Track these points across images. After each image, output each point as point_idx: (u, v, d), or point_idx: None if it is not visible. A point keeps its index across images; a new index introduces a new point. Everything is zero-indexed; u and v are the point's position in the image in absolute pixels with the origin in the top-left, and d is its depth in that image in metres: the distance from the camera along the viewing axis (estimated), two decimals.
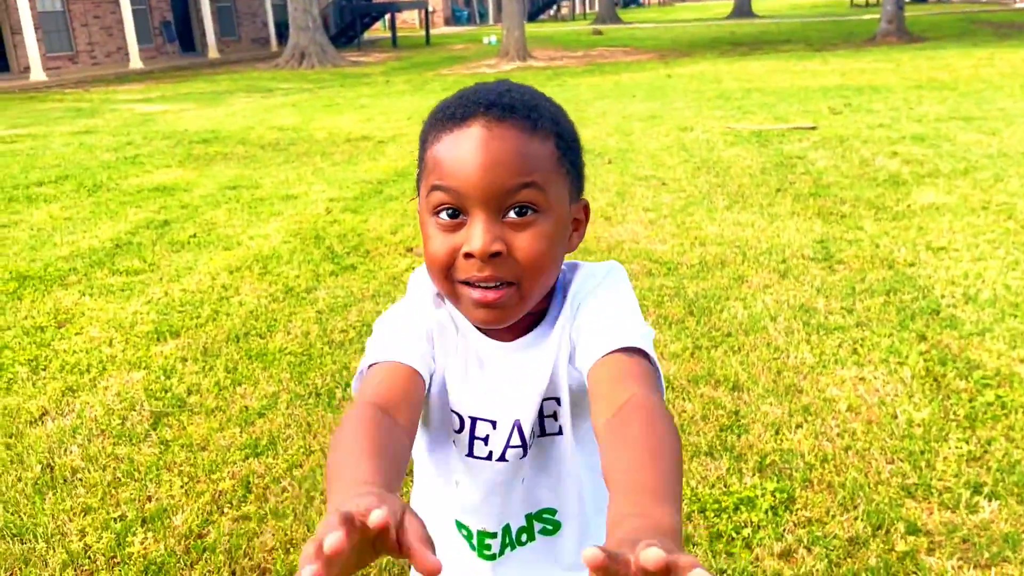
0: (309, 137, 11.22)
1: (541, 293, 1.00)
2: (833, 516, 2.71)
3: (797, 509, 2.75)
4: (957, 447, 3.03)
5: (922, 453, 3.01)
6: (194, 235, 6.44)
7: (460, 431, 1.08)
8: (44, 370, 4.11)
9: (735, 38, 27.74)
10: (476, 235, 0.92)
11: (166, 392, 3.79)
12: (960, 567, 2.46)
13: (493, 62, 23.82)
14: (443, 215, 0.95)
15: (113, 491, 3.04)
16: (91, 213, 7.28)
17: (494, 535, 1.13)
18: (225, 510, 2.89)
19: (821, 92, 13.09)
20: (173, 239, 6.35)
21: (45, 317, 4.82)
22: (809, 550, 2.56)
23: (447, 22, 46.07)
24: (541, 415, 1.08)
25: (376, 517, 0.61)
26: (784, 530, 2.65)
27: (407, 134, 11.15)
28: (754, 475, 2.94)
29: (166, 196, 7.86)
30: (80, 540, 2.77)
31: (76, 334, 4.55)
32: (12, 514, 2.93)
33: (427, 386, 1.03)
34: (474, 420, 1.07)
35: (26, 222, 7.06)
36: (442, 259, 0.96)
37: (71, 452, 3.32)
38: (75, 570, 2.62)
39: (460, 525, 1.15)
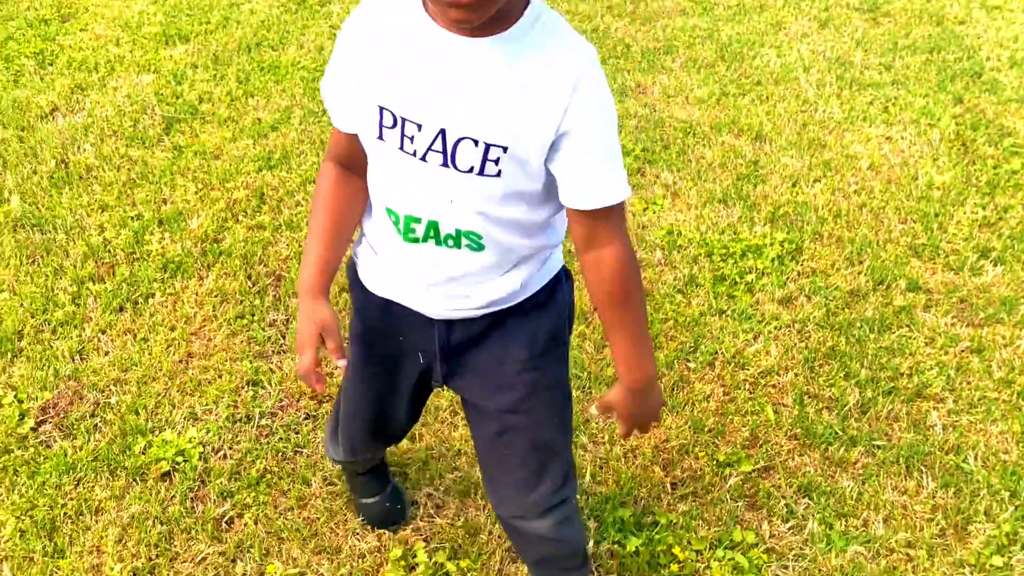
0: None
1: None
2: (837, 269, 2.75)
3: (803, 260, 2.79)
4: (972, 212, 3.01)
5: (936, 216, 3.00)
6: None
7: (393, 127, 1.15)
8: (51, 65, 4.00)
9: None
10: None
11: (177, 98, 3.71)
12: (953, 324, 2.53)
13: None
14: None
15: (128, 191, 3.06)
16: None
17: (419, 220, 1.21)
18: (240, 218, 2.93)
19: None
20: None
21: (48, 9, 4.60)
22: (809, 298, 2.62)
23: None
24: (485, 157, 1.12)
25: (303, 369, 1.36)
26: (787, 278, 2.71)
27: None
28: (765, 224, 2.95)
29: None
30: (99, 234, 2.83)
31: (81, 30, 4.37)
32: (30, 205, 2.97)
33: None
34: (404, 120, 1.13)
35: None
36: None
37: (84, 150, 3.30)
38: (95, 261, 2.71)
39: (389, 211, 1.24)
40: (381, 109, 1.15)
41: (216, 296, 2.58)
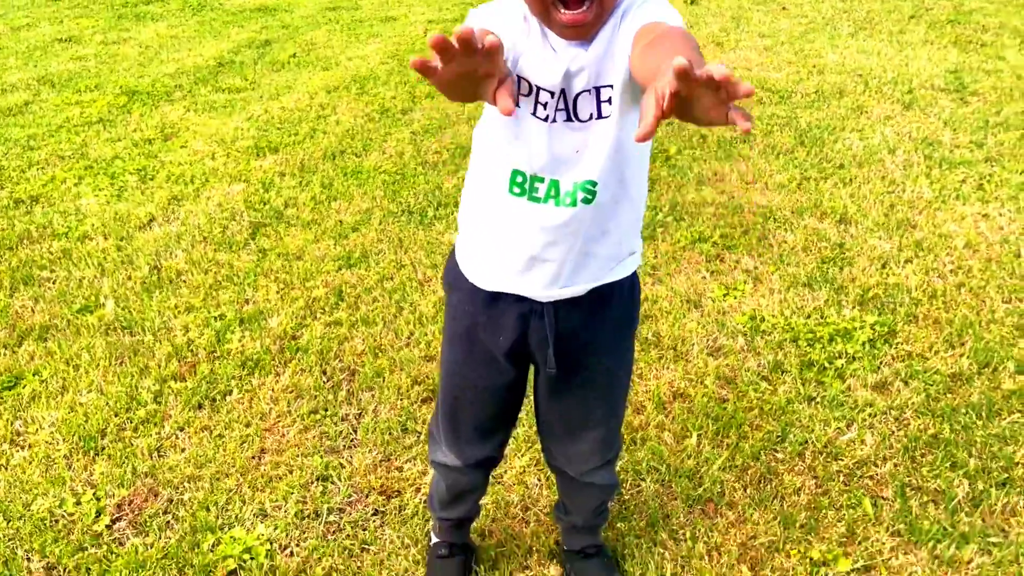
0: None
1: (611, 7, 1.26)
2: (936, 352, 2.58)
3: (897, 343, 2.63)
4: None
5: None
6: (294, 55, 6.39)
7: (528, 95, 1.31)
8: (152, 180, 4.24)
9: None
10: None
11: (264, 204, 3.86)
12: None
13: None
14: None
15: (214, 293, 3.16)
16: (196, 32, 7.30)
17: (542, 179, 1.37)
18: (318, 315, 2.97)
19: None
20: (274, 59, 6.32)
21: (153, 130, 4.93)
22: (906, 383, 2.45)
23: None
24: (599, 100, 1.31)
25: (492, 39, 0.94)
26: (881, 363, 2.54)
27: None
28: (854, 308, 2.81)
29: (267, 16, 7.78)
30: (184, 335, 2.91)
31: (181, 147, 4.65)
32: (123, 309, 3.09)
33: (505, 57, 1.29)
34: (539, 88, 1.31)
35: (135, 40, 7.14)
36: None
37: (176, 256, 3.45)
38: (179, 361, 2.77)
39: (516, 172, 1.38)
40: (519, 78, 1.31)
41: (291, 392, 2.59)
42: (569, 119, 1.32)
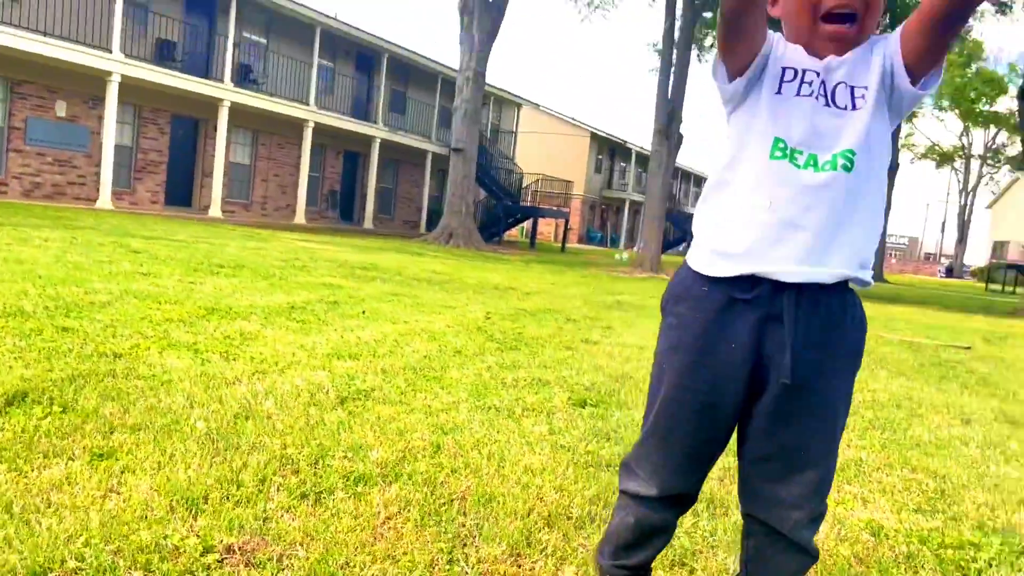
0: (460, 280, 11.75)
1: (871, 29, 1.58)
2: None
3: None
4: None
5: None
6: (363, 312, 6.75)
7: (792, 80, 1.57)
8: (235, 360, 4.30)
9: (866, 294, 27.70)
10: None
11: (349, 386, 3.89)
12: None
13: (627, 270, 24.61)
14: None
15: (309, 429, 3.09)
16: (266, 288, 7.76)
17: (801, 152, 1.56)
18: (419, 457, 2.89)
19: (971, 331, 12.84)
20: (343, 312, 6.66)
21: (233, 332, 5.08)
22: None
23: (580, 240, 48.18)
24: (853, 95, 1.56)
25: None
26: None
27: (551, 291, 11.53)
28: (974, 531, 2.73)
29: (334, 289, 8.31)
30: (281, 450, 2.81)
31: (262, 347, 4.77)
32: (215, 429, 3.01)
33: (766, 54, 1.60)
34: (804, 71, 1.57)
35: (209, 283, 7.57)
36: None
37: (265, 403, 3.42)
38: (279, 464, 2.65)
39: (778, 140, 1.56)
40: (784, 68, 1.58)
41: (401, 501, 2.45)
42: (828, 104, 1.56)
